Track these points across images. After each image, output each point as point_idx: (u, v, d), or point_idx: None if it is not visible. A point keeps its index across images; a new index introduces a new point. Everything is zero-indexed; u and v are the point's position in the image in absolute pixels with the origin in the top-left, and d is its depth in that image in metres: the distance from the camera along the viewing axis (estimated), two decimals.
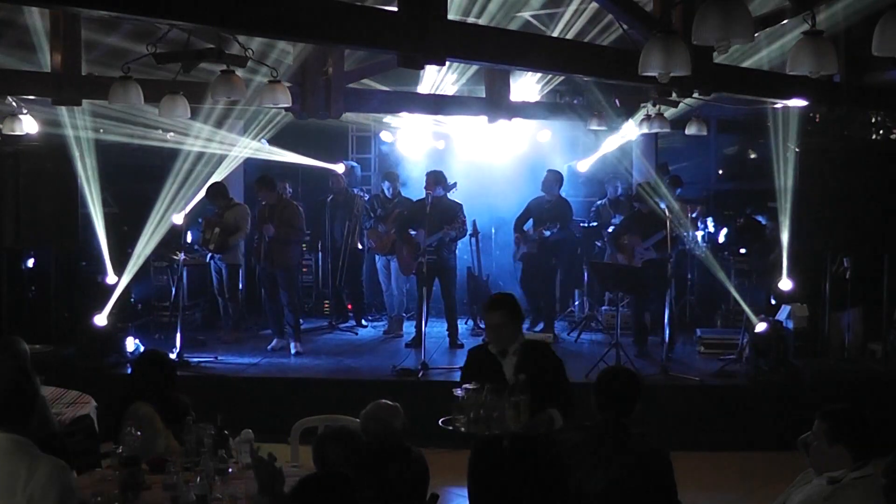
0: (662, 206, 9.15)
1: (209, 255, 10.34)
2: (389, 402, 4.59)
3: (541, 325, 10.72)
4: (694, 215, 9.69)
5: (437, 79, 10.50)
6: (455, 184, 10.01)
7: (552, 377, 4.90)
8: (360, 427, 4.51)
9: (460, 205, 10.01)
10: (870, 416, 3.90)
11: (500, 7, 9.18)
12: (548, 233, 10.30)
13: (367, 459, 4.18)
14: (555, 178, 10.59)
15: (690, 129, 10.17)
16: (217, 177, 10.50)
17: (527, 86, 10.78)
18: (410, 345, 9.77)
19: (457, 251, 10.29)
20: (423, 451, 4.56)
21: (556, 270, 10.90)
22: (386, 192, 10.84)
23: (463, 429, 4.59)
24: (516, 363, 4.88)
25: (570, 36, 9.23)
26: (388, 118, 11.87)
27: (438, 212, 9.61)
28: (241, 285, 10.82)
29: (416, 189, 10.78)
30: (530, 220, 10.63)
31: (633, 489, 4.04)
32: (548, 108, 11.15)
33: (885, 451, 3.73)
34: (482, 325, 11.05)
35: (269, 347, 9.82)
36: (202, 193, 10.15)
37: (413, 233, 9.91)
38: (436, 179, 9.77)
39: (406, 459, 4.38)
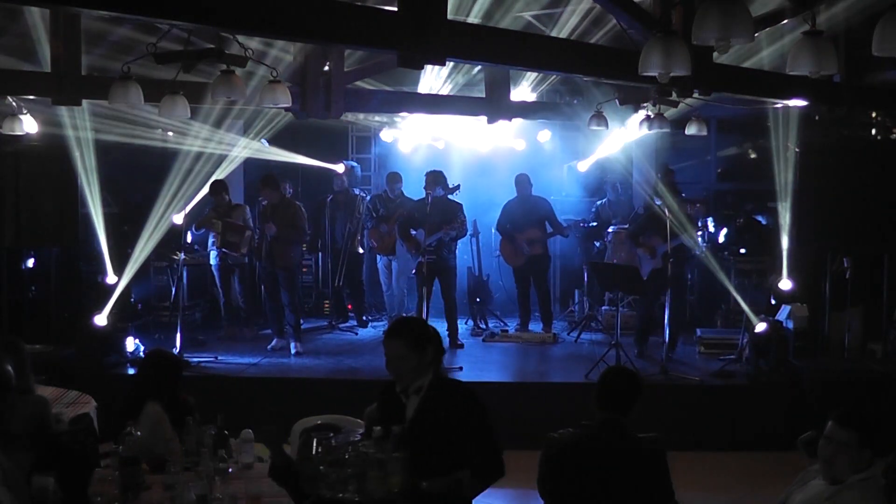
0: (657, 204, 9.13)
1: (218, 254, 10.35)
2: None
3: (539, 326, 10.76)
4: (692, 213, 9.64)
5: (434, 84, 10.52)
6: (458, 186, 10.02)
7: (467, 427, 3.97)
8: (364, 425, 4.50)
9: (460, 205, 10.01)
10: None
11: (497, 7, 9.20)
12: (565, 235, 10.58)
13: None
14: (528, 180, 10.75)
15: (690, 129, 10.16)
16: (217, 177, 10.51)
17: (521, 89, 10.82)
18: None
19: (457, 251, 10.30)
20: None
21: (549, 268, 10.95)
22: (389, 192, 10.85)
23: (328, 493, 3.63)
24: (418, 405, 4.05)
25: (569, 36, 9.23)
26: (388, 118, 11.88)
27: (438, 212, 9.61)
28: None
29: (414, 189, 10.79)
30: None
31: (630, 489, 4.04)
32: (548, 108, 11.16)
33: (886, 452, 3.73)
34: (482, 325, 11.13)
35: (269, 347, 9.82)
36: (202, 193, 10.15)
37: (413, 233, 9.92)
38: (435, 179, 9.77)
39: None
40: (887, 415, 4.03)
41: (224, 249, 10.32)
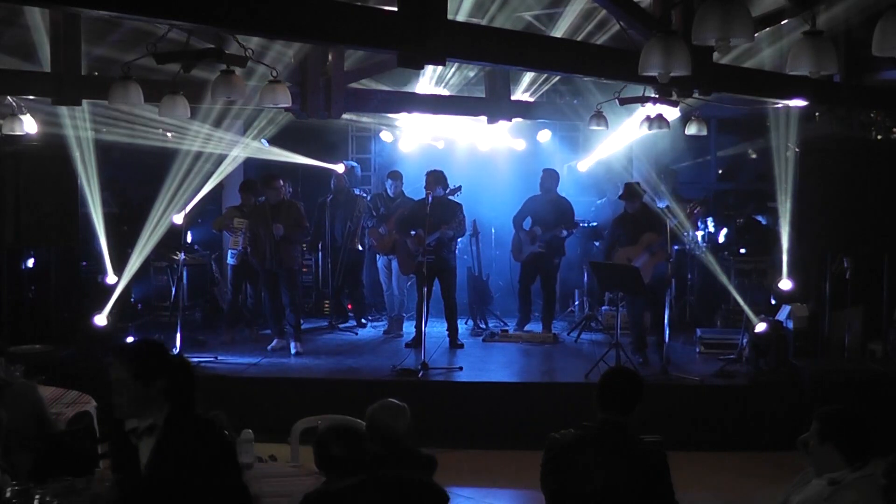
0: (661, 205, 9.13)
1: (237, 254, 10.32)
2: (397, 403, 4.57)
3: (539, 326, 10.75)
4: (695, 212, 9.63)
5: (433, 85, 10.52)
6: (460, 187, 10.02)
7: (212, 474, 3.36)
8: (365, 424, 4.49)
9: (460, 205, 10.00)
10: (867, 416, 3.92)
11: (501, 7, 9.20)
12: (564, 233, 10.39)
13: (371, 459, 4.16)
14: (555, 177, 10.63)
15: (690, 129, 10.16)
16: (217, 177, 10.52)
17: (521, 89, 10.80)
18: (410, 345, 9.77)
19: (457, 251, 10.28)
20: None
21: (559, 269, 10.90)
22: (388, 190, 10.84)
23: None
24: (154, 449, 3.38)
25: (570, 36, 9.23)
26: (387, 118, 11.88)
27: (438, 212, 9.61)
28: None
29: (414, 189, 10.79)
30: (528, 219, 10.63)
31: (630, 489, 4.04)
32: (548, 108, 11.17)
33: (886, 452, 3.73)
34: (482, 325, 11.13)
35: (269, 348, 9.80)
36: (202, 193, 10.15)
37: (413, 233, 9.91)
38: (436, 179, 9.77)
39: (410, 461, 4.36)
40: (872, 415, 4.05)
41: (249, 250, 10.28)
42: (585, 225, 11.51)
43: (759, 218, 11.44)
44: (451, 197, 9.93)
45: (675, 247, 9.03)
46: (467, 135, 11.99)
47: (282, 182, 9.85)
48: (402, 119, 11.63)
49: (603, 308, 11.07)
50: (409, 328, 10.72)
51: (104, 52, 8.76)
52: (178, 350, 8.89)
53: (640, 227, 9.28)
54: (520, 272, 10.79)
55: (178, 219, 9.84)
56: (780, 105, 8.94)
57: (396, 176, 10.89)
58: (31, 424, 4.90)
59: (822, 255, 8.95)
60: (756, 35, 5.45)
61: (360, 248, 11.34)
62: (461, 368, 8.95)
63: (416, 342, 9.47)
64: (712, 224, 11.32)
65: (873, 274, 8.86)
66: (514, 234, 10.72)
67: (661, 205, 9.25)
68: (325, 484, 3.85)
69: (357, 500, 3.61)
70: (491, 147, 12.06)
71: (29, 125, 8.87)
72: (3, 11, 8.32)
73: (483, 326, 11.12)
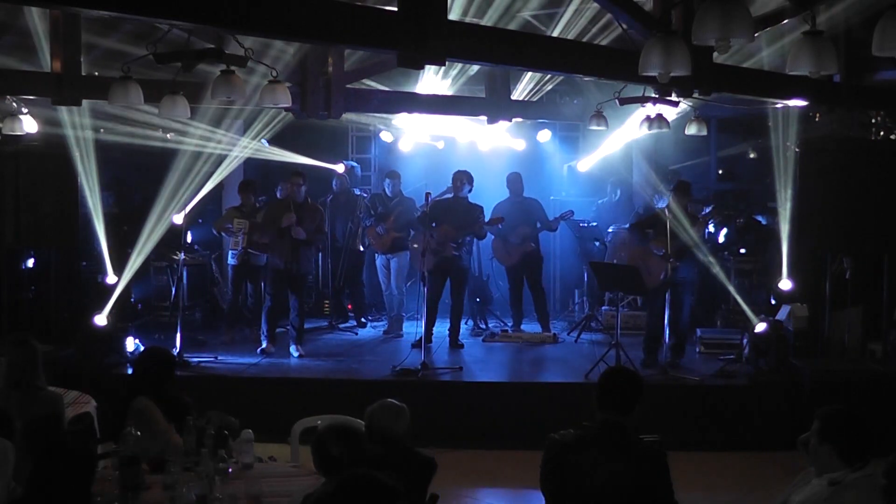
0: (660, 205, 9.09)
1: (237, 254, 10.28)
2: (396, 403, 4.57)
3: (537, 326, 10.75)
4: (706, 211, 9.51)
5: (434, 83, 10.52)
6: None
7: None
8: (364, 424, 4.49)
9: (481, 207, 10.02)
10: (867, 416, 3.91)
11: (501, 8, 9.20)
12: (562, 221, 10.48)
13: (369, 459, 4.17)
14: (520, 180, 10.60)
15: (690, 129, 10.16)
16: (217, 177, 10.51)
17: (521, 89, 10.80)
18: (417, 345, 9.70)
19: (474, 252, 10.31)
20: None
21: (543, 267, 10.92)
22: (387, 189, 10.83)
23: None
24: None
25: (570, 36, 9.24)
26: (387, 118, 11.88)
27: (464, 211, 9.70)
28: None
29: (413, 189, 10.78)
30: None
31: (630, 489, 4.03)
32: (548, 108, 11.16)
33: (886, 452, 3.73)
34: (482, 325, 11.13)
35: (259, 351, 9.59)
36: (202, 193, 10.14)
37: (434, 224, 9.80)
38: (467, 179, 9.87)
39: (410, 461, 4.36)
40: (872, 415, 4.05)
41: (251, 249, 10.25)
42: (585, 225, 11.50)
43: (759, 218, 11.44)
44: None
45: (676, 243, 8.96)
46: (467, 135, 11.99)
47: (302, 181, 9.76)
48: (402, 119, 11.62)
49: (603, 308, 11.07)
50: (408, 328, 10.71)
51: (104, 51, 8.76)
52: (178, 350, 8.88)
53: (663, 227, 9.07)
54: (509, 276, 10.71)
55: (178, 219, 9.82)
56: (780, 105, 8.94)
57: (394, 175, 10.87)
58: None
59: (822, 255, 8.95)
60: (756, 35, 5.46)
61: (361, 248, 11.34)
62: (461, 368, 8.95)
63: (425, 340, 9.45)
64: (712, 224, 11.30)
65: (873, 274, 8.86)
66: (494, 239, 10.63)
67: (661, 204, 9.22)
68: (324, 485, 3.85)
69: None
70: (491, 147, 12.07)
71: (29, 125, 8.87)
72: (2, 11, 8.32)
73: (483, 326, 11.12)
